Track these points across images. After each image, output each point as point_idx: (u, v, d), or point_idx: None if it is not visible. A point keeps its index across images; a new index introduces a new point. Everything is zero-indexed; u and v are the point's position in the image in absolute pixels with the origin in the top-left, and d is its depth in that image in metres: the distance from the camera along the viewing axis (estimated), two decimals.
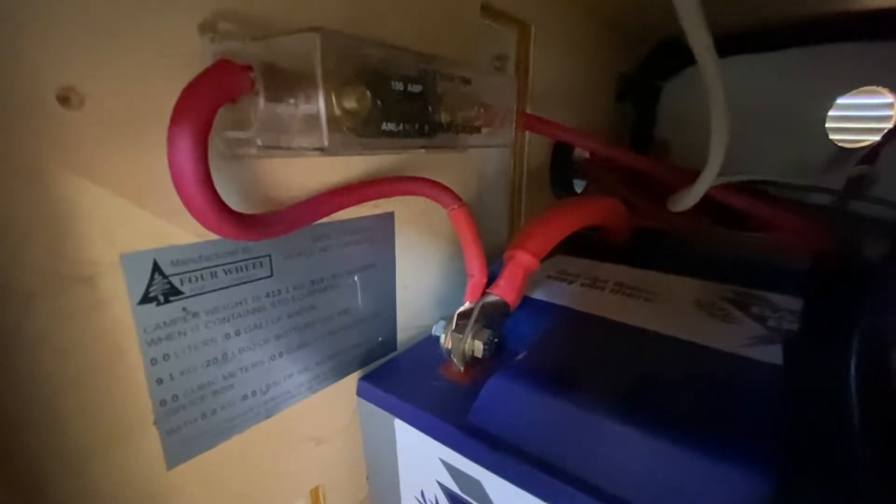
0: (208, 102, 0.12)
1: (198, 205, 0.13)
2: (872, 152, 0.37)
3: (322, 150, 0.14)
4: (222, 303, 0.16)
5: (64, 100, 0.12)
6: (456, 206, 0.21)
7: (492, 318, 0.22)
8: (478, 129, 0.20)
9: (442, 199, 0.21)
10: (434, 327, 0.23)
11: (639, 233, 0.34)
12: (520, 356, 0.20)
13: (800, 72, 0.45)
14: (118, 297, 0.14)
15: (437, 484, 0.20)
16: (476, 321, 0.21)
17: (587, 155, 0.38)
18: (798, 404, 0.15)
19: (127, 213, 0.13)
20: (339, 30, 0.13)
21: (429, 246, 0.25)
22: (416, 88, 0.17)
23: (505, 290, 0.22)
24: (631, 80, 0.48)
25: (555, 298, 0.25)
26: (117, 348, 0.14)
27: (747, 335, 0.20)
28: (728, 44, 0.45)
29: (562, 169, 0.35)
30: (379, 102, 0.16)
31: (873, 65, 0.42)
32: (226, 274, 0.16)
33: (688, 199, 0.24)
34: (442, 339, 0.22)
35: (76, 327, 0.13)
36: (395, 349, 0.25)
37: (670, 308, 0.23)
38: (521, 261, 0.22)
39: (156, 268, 0.14)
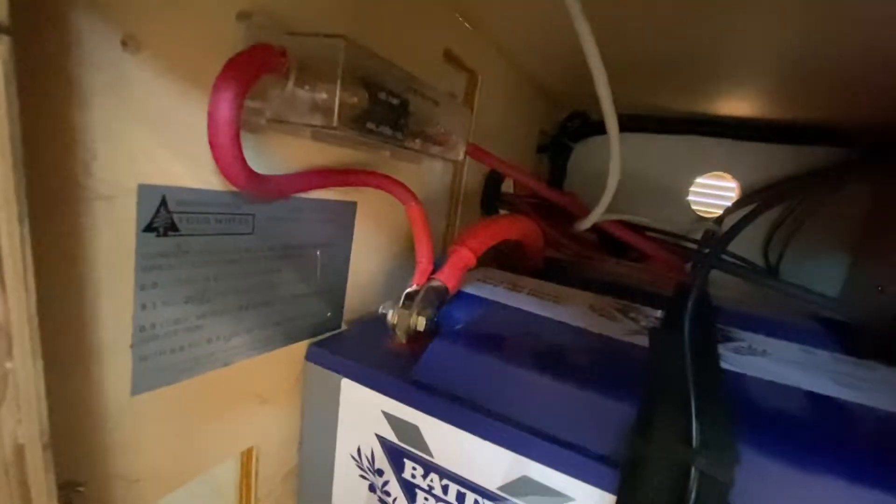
0: (253, 68, 0.15)
1: (226, 150, 0.15)
2: (720, 217, 0.49)
3: (330, 129, 0.17)
4: (208, 247, 0.18)
5: (125, 44, 0.14)
6: (413, 203, 0.25)
7: (433, 300, 0.26)
8: (438, 143, 0.25)
9: (403, 196, 0.25)
10: (381, 307, 0.26)
11: (548, 262, 0.41)
12: (457, 327, 0.24)
13: (673, 153, 0.57)
14: (128, 220, 0.15)
15: (375, 437, 0.22)
16: (421, 300, 0.25)
17: (511, 190, 0.44)
18: (656, 365, 0.21)
19: (151, 148, 0.15)
20: (354, 40, 0.17)
21: (381, 238, 0.29)
22: (395, 101, 0.22)
23: (447, 277, 0.26)
24: (549, 137, 0.58)
25: (483, 294, 0.29)
26: (118, 267, 0.15)
27: (626, 329, 0.27)
28: (623, 122, 0.57)
29: (491, 197, 0.41)
30: (367, 104, 0.20)
31: (723, 156, 0.56)
32: (217, 222, 0.18)
33: (589, 219, 0.31)
34: (389, 315, 0.25)
35: (90, 239, 0.14)
36: (339, 327, 0.27)
37: (572, 307, 0.29)
38: (462, 255, 0.26)
39: (163, 202, 0.16)
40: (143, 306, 0.16)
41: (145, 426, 0.18)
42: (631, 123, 0.55)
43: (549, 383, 0.20)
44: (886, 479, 0.15)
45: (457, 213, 0.38)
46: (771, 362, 0.24)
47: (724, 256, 0.36)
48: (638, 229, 0.39)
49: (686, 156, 0.58)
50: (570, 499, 0.18)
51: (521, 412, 0.19)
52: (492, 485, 0.19)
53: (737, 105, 0.48)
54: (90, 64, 0.13)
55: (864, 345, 0.31)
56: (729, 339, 0.27)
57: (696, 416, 0.17)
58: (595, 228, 0.36)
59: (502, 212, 0.44)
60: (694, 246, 0.45)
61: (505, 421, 0.19)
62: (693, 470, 0.16)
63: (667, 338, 0.24)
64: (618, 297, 0.32)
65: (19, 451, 0.10)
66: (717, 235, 0.48)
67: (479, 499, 0.20)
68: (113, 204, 0.15)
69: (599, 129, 0.58)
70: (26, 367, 0.10)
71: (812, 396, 0.21)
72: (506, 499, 0.19)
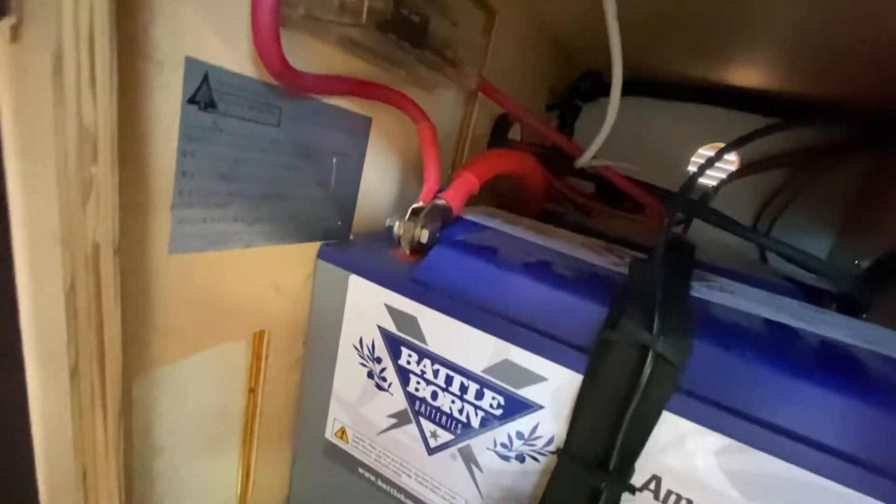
0: None
1: (266, 34, 0.17)
2: (716, 187, 0.51)
3: (358, 26, 0.19)
4: (241, 131, 0.20)
5: None
6: (426, 123, 0.27)
7: (436, 217, 0.28)
8: (452, 65, 0.26)
9: (416, 115, 0.27)
10: (388, 220, 0.28)
11: (545, 214, 0.43)
12: (457, 238, 0.26)
13: (677, 121, 0.58)
14: (175, 88, 0.17)
15: (376, 328, 0.25)
16: (426, 215, 0.27)
17: (518, 137, 0.46)
18: (631, 278, 0.23)
19: (199, 25, 0.17)
20: None
21: (391, 158, 0.30)
22: (416, 18, 0.23)
23: (451, 197, 0.28)
24: (559, 96, 0.59)
25: (483, 221, 0.31)
26: (165, 130, 0.17)
27: (611, 262, 0.29)
28: (630, 84, 0.58)
29: (498, 142, 0.43)
30: (391, 14, 0.21)
31: (726, 127, 0.57)
32: (249, 108, 0.20)
33: (587, 154, 0.32)
34: (395, 227, 0.27)
35: (145, 100, 0.16)
36: (347, 237, 0.29)
37: (565, 241, 0.31)
38: (467, 178, 0.28)
39: (205, 78, 0.18)
40: (183, 173, 0.18)
41: (177, 286, 0.20)
42: (638, 87, 0.56)
43: (534, 285, 0.22)
44: (815, 376, 0.18)
45: (463, 152, 0.40)
46: (737, 297, 0.27)
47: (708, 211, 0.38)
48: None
49: (689, 125, 0.59)
50: (544, 378, 0.20)
51: (508, 309, 0.22)
52: (477, 368, 0.22)
53: (745, 74, 0.49)
54: None
55: (828, 303, 0.34)
56: (703, 279, 0.30)
57: (659, 312, 0.19)
58: (593, 177, 0.38)
59: None
60: None
61: (492, 312, 0.21)
62: (650, 352, 0.18)
63: (645, 266, 0.26)
64: (606, 240, 0.35)
65: (96, 249, 0.12)
66: (710, 195, 0.50)
67: (465, 380, 0.23)
68: (164, 69, 0.16)
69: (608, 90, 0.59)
70: (106, 175, 0.12)
71: (766, 321, 0.23)
72: (488, 380, 0.22)
